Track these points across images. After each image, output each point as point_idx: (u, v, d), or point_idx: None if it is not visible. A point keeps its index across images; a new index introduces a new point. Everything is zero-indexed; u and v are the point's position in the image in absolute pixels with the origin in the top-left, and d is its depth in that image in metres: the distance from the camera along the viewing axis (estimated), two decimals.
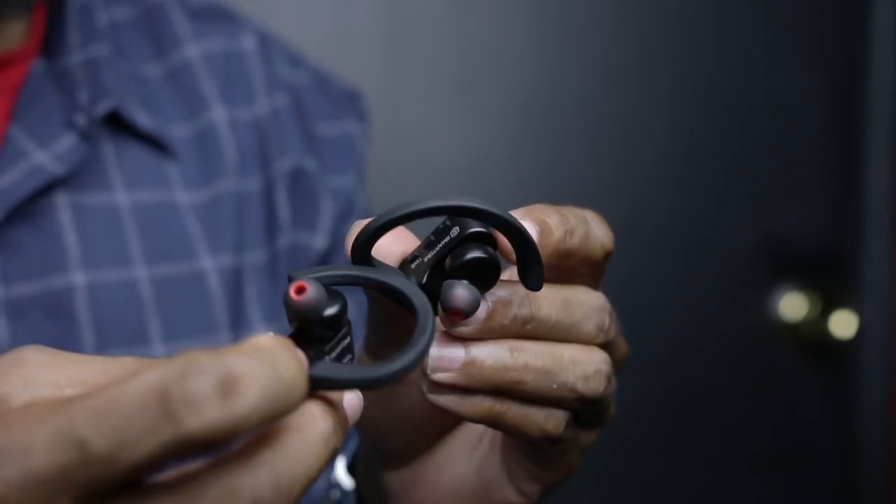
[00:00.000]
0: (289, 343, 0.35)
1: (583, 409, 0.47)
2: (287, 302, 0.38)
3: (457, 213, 0.42)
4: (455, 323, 0.43)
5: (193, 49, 0.79)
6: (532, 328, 0.44)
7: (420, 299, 0.41)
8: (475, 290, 0.42)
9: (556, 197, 1.31)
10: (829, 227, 1.45)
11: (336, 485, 0.60)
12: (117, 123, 0.73)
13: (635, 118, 1.37)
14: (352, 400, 0.39)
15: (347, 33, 1.26)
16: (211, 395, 0.32)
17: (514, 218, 0.42)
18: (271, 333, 0.36)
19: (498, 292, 0.43)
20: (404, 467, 0.54)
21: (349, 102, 0.85)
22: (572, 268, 0.47)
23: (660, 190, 1.37)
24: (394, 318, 0.46)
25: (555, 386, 0.44)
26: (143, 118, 0.74)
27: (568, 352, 0.45)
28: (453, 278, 0.42)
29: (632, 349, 0.51)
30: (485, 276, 0.43)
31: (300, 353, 0.36)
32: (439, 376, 0.43)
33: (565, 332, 0.45)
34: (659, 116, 1.37)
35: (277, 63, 0.82)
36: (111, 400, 0.33)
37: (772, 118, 1.42)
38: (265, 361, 0.33)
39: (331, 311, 0.39)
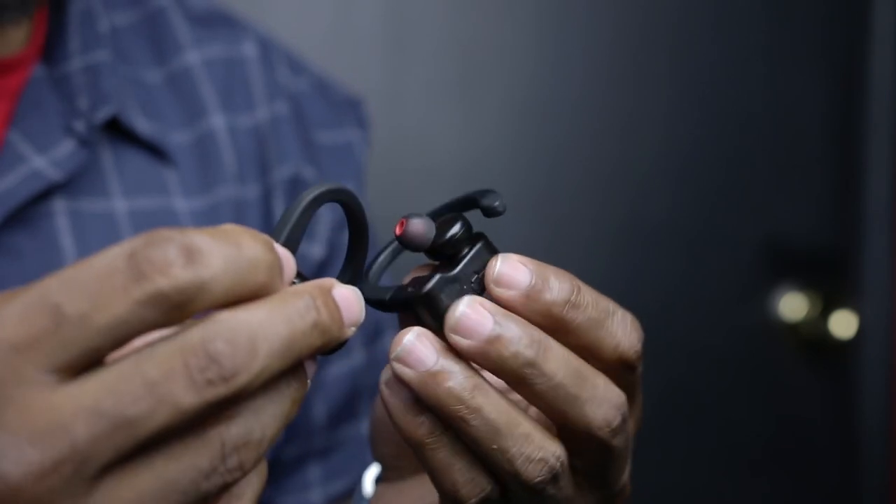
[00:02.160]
0: (255, 232, 0.37)
1: (516, 490, 0.44)
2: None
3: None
4: (403, 237, 0.44)
5: (194, 55, 0.78)
6: (531, 376, 0.42)
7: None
8: (431, 224, 0.44)
9: (555, 197, 1.31)
10: (829, 227, 1.45)
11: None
12: (117, 130, 0.73)
13: (635, 118, 1.36)
14: (344, 292, 0.39)
15: (347, 34, 1.25)
16: (176, 259, 0.34)
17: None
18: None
19: (513, 325, 0.41)
20: (391, 482, 0.55)
21: (349, 109, 0.84)
22: (583, 355, 0.44)
23: (659, 190, 1.37)
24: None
25: (494, 447, 0.42)
26: (142, 125, 0.74)
27: (527, 425, 0.43)
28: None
29: None
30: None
31: (280, 248, 0.38)
32: (397, 366, 0.42)
33: (566, 403, 0.42)
34: (659, 116, 1.37)
35: (278, 69, 0.81)
36: (82, 269, 0.34)
37: (772, 118, 1.42)
38: (227, 239, 0.36)
39: None
